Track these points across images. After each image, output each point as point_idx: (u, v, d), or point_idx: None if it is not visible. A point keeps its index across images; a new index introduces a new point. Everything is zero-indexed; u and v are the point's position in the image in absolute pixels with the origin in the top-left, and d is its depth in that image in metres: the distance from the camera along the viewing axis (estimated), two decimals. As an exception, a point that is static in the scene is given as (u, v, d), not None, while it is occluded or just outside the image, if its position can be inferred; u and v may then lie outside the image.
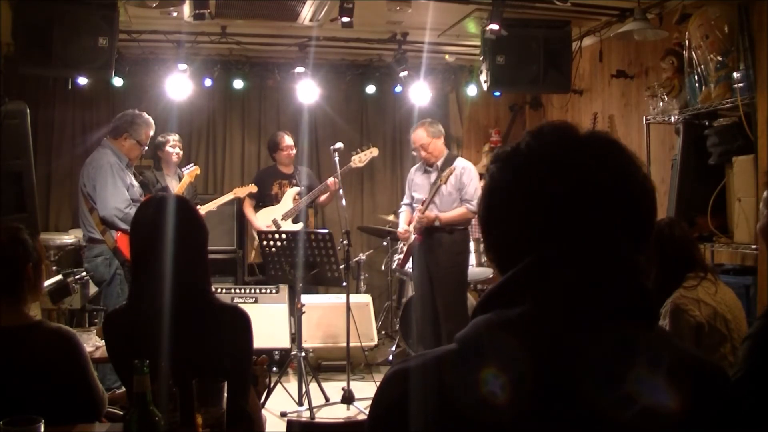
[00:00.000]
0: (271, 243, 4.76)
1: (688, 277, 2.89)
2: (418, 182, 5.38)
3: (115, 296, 4.59)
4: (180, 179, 5.65)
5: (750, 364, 1.99)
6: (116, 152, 4.78)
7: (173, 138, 5.63)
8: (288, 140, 6.05)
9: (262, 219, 5.96)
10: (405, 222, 5.41)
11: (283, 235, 4.77)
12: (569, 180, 0.96)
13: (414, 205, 5.38)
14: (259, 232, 4.98)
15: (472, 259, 5.85)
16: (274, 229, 5.74)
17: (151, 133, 5.00)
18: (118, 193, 4.63)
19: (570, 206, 0.95)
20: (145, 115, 4.95)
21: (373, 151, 5.80)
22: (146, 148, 5.04)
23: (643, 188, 1.00)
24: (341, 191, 5.26)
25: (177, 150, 5.63)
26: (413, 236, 5.25)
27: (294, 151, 6.10)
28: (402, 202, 5.62)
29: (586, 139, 1.01)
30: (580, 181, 0.96)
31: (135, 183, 4.86)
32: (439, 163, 5.21)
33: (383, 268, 6.61)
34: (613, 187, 0.97)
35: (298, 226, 5.81)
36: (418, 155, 5.30)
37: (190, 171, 5.52)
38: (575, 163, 0.97)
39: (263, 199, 6.07)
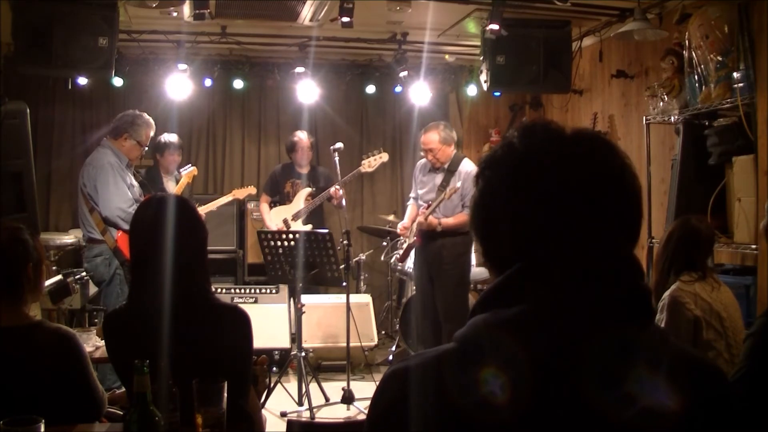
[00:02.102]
0: (271, 243, 4.76)
1: (683, 274, 2.92)
2: (423, 179, 5.35)
3: (114, 296, 4.60)
4: (177, 180, 5.67)
5: (751, 362, 2.01)
6: (116, 152, 4.78)
7: (173, 144, 5.63)
8: (303, 140, 6.05)
9: (275, 219, 5.97)
10: (409, 218, 5.38)
11: (284, 236, 4.77)
12: (566, 178, 0.96)
13: (420, 202, 5.36)
14: (259, 232, 4.98)
15: (473, 259, 5.85)
16: (284, 228, 5.75)
17: (152, 133, 5.00)
18: (120, 193, 4.63)
19: (567, 205, 0.96)
20: (146, 115, 4.95)
21: (383, 157, 5.74)
22: (146, 148, 5.05)
23: (633, 185, 1.01)
24: (342, 191, 5.26)
25: (176, 157, 5.68)
26: (413, 238, 5.24)
27: (310, 151, 6.10)
28: (410, 195, 5.56)
29: (577, 137, 1.02)
30: (577, 180, 0.97)
31: (135, 183, 4.86)
32: (446, 165, 5.17)
33: (382, 258, 6.58)
34: (607, 185, 0.98)
35: (308, 227, 5.80)
36: (426, 156, 5.23)
37: (188, 172, 5.51)
38: (571, 161, 0.98)
39: (276, 197, 6.09)
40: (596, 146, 1.01)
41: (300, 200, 5.99)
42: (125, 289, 4.57)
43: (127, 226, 4.50)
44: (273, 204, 6.12)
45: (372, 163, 5.72)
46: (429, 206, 5.11)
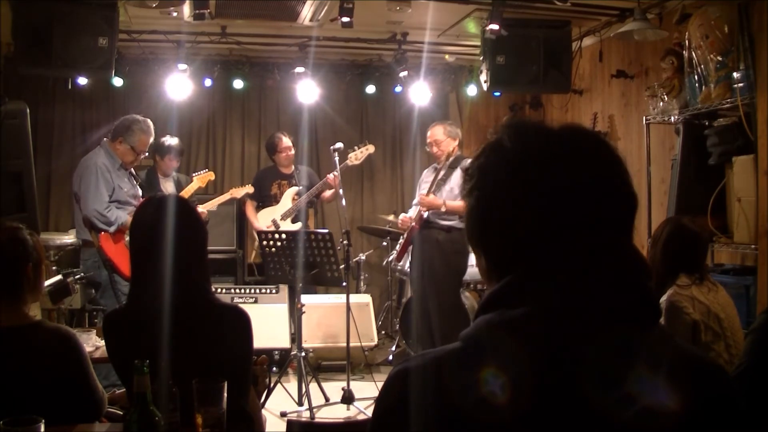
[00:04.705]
0: (271, 243, 4.76)
1: (681, 276, 2.91)
2: (426, 179, 5.42)
3: (111, 297, 4.62)
4: (174, 182, 5.71)
5: (752, 358, 2.02)
6: (110, 154, 4.80)
7: (174, 148, 5.67)
8: (286, 141, 6.05)
9: (263, 220, 5.96)
10: (412, 214, 5.45)
11: (283, 235, 4.77)
12: (563, 179, 0.96)
13: None
14: (259, 232, 4.97)
15: (472, 258, 5.86)
16: (273, 229, 5.74)
17: (150, 140, 4.98)
18: (99, 194, 4.65)
19: (567, 206, 0.95)
20: (147, 122, 4.93)
21: (370, 148, 5.80)
22: (145, 155, 5.04)
23: (628, 180, 1.00)
24: (341, 191, 5.26)
25: (175, 162, 5.75)
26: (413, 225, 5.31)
27: (292, 152, 6.10)
28: (413, 203, 5.64)
29: (568, 135, 1.01)
30: (574, 180, 0.96)
31: (125, 186, 4.84)
32: (449, 162, 5.23)
33: (384, 263, 6.59)
34: (606, 182, 0.98)
35: (297, 226, 5.82)
36: (430, 150, 5.37)
37: (202, 176, 5.59)
38: (566, 162, 0.97)
39: (263, 200, 6.08)
40: (588, 142, 1.01)
41: (287, 200, 5.99)
42: (118, 290, 4.59)
43: (102, 226, 4.60)
44: (259, 206, 6.11)
45: (359, 155, 5.74)
46: (427, 192, 5.20)
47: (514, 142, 1.00)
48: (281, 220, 5.92)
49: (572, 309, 0.91)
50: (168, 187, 5.66)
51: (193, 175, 5.64)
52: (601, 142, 1.02)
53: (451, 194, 5.16)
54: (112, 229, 4.61)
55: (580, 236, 0.95)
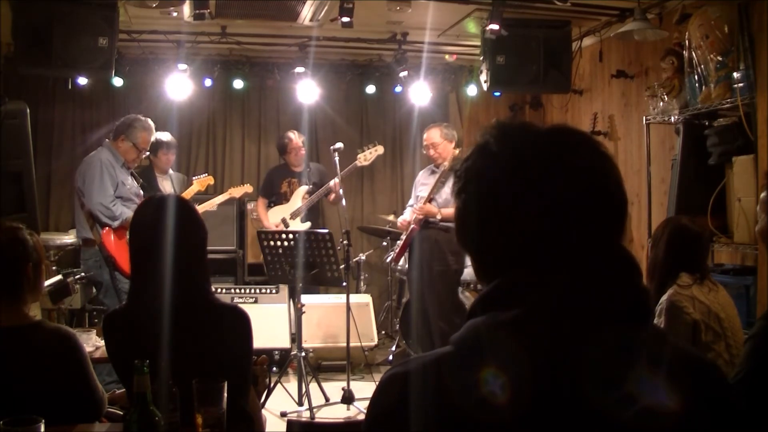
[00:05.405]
0: (271, 243, 4.76)
1: (682, 276, 2.90)
2: (424, 181, 5.46)
3: (113, 297, 4.62)
4: (172, 181, 5.71)
5: (751, 365, 2.01)
6: (113, 152, 4.85)
7: (165, 143, 5.66)
8: (296, 141, 6.05)
9: (273, 218, 5.97)
10: (409, 216, 5.48)
11: (283, 235, 4.77)
12: (563, 179, 0.96)
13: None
14: (259, 232, 4.98)
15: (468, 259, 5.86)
16: (282, 228, 5.75)
17: (151, 138, 5.02)
18: (103, 188, 4.68)
19: (560, 207, 0.95)
20: (148, 121, 4.97)
21: (379, 150, 5.80)
22: (146, 153, 5.07)
23: (620, 179, 1.00)
24: (341, 191, 5.27)
25: (170, 156, 5.74)
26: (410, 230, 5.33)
27: (303, 151, 6.09)
28: (408, 204, 5.70)
29: (556, 136, 1.00)
30: (574, 179, 0.96)
31: (128, 182, 4.86)
32: (446, 164, 5.28)
33: (383, 264, 6.60)
34: (601, 182, 0.97)
35: (306, 225, 5.81)
36: (428, 153, 5.42)
37: (201, 180, 5.59)
38: (566, 161, 0.97)
39: (273, 198, 6.10)
40: (583, 143, 1.00)
41: (297, 198, 5.99)
42: (120, 289, 4.60)
43: (106, 220, 4.62)
44: (270, 205, 6.12)
45: (368, 156, 5.75)
46: (427, 197, 5.23)
47: (504, 145, 0.99)
48: (291, 218, 5.92)
49: (571, 309, 0.91)
50: (166, 185, 5.66)
51: (193, 178, 5.66)
52: (594, 142, 1.01)
53: (450, 198, 5.18)
54: (116, 223, 4.62)
55: (576, 236, 0.95)
